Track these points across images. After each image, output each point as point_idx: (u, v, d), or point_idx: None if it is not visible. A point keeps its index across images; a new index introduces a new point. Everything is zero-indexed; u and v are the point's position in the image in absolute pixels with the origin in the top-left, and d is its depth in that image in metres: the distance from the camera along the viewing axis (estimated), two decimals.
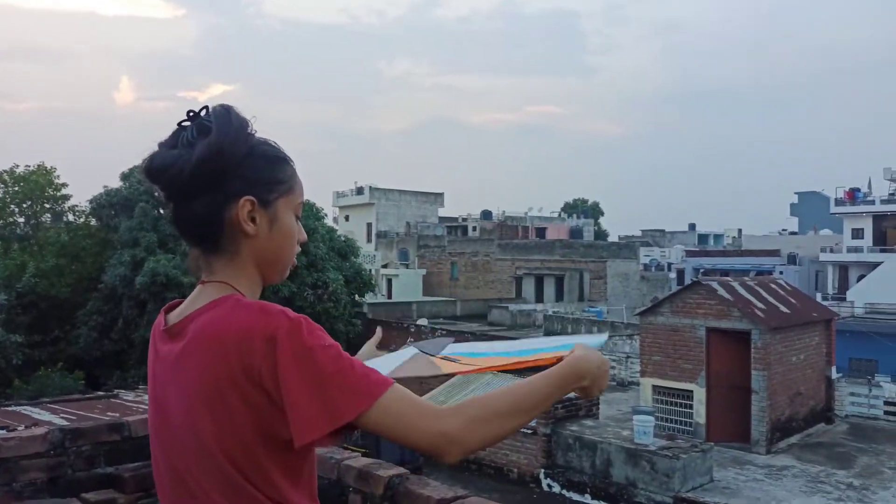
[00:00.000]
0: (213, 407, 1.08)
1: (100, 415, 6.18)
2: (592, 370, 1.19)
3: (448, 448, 1.08)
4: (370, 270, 34.49)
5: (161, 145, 1.17)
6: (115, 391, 9.83)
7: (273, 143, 1.23)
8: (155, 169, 1.16)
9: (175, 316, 1.20)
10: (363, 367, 1.09)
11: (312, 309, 24.15)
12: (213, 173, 1.14)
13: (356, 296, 29.24)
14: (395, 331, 27.09)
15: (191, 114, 1.18)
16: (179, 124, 1.17)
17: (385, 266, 49.10)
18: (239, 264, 1.19)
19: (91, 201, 25.81)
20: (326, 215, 32.83)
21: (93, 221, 27.03)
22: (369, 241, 53.39)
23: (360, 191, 56.40)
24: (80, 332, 23.51)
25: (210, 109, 1.18)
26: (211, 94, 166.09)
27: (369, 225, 55.17)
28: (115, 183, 25.84)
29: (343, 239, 30.09)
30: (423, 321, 30.65)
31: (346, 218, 57.08)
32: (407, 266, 49.48)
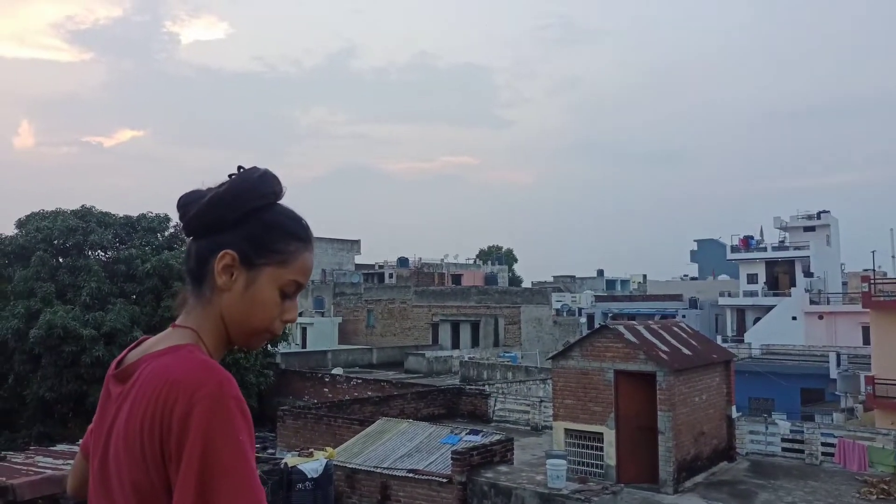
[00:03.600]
0: (131, 451, 1.10)
1: None
2: None
3: None
4: None
5: (206, 189, 1.26)
6: (2, 453, 9.14)
7: (292, 217, 1.28)
8: (182, 203, 1.26)
9: (134, 355, 1.22)
10: (255, 475, 1.06)
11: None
12: (214, 219, 1.22)
13: (268, 346, 28.48)
14: (310, 381, 26.47)
15: (239, 169, 1.26)
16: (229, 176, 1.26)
17: (299, 314, 48.06)
18: (210, 314, 1.22)
19: None
20: None
21: None
22: None
23: None
24: None
25: (245, 169, 1.26)
26: (118, 140, 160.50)
27: None
28: (11, 230, 24.48)
29: None
30: (338, 370, 30.11)
31: None
32: (322, 314, 48.70)
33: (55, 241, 23.60)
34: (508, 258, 78.30)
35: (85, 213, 24.71)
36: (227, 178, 1.24)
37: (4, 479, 4.22)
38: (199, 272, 1.23)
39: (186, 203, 1.24)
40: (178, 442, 1.03)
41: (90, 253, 24.35)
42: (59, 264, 23.38)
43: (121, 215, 25.34)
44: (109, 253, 24.47)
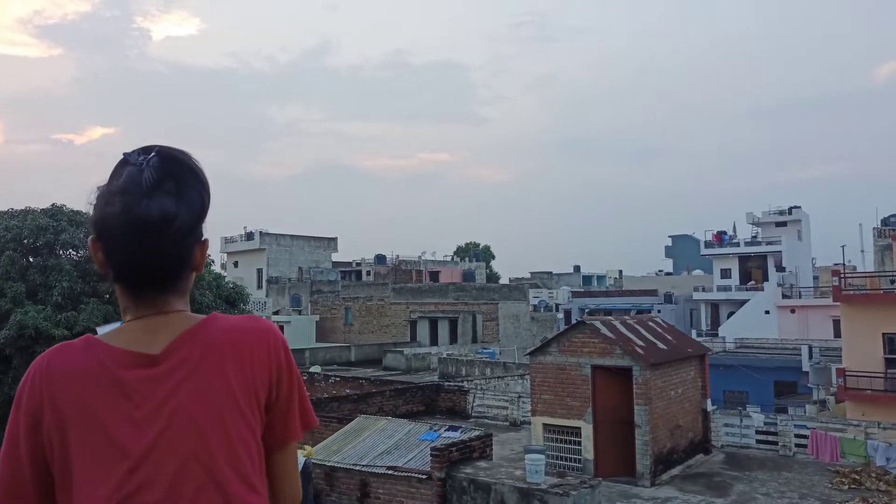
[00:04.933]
0: (241, 409, 1.20)
1: None
2: None
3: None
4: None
5: (135, 193, 1.16)
6: None
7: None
8: (159, 219, 1.16)
9: (144, 344, 1.19)
10: None
11: None
12: (200, 220, 1.23)
13: None
14: None
15: (140, 156, 1.19)
16: (139, 167, 1.18)
17: (276, 313, 47.80)
18: (186, 299, 1.27)
19: None
20: (213, 262, 31.78)
21: None
22: (260, 287, 51.94)
23: (249, 236, 55.01)
24: None
25: (170, 156, 1.21)
26: (89, 137, 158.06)
27: (259, 271, 53.75)
28: None
29: (231, 286, 29.13)
30: (316, 368, 29.97)
31: (235, 264, 55.38)
32: (300, 312, 48.43)
33: (25, 241, 23.17)
34: (486, 255, 78.48)
35: (56, 212, 24.29)
36: (160, 175, 1.17)
37: None
38: (178, 270, 1.23)
39: (168, 217, 1.16)
40: (287, 369, 1.28)
41: (61, 252, 23.94)
42: (30, 264, 22.95)
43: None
44: (81, 252, 24.08)
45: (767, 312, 40.25)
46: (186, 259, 1.22)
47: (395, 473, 12.53)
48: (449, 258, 66.45)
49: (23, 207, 24.36)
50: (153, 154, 1.20)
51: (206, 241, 1.25)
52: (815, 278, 48.48)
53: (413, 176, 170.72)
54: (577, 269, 68.42)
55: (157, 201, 1.16)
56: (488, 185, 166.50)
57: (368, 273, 57.35)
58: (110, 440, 1.15)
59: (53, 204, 24.80)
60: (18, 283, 21.84)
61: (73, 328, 20.90)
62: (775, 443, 16.33)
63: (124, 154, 1.21)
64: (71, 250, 24.21)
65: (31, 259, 23.27)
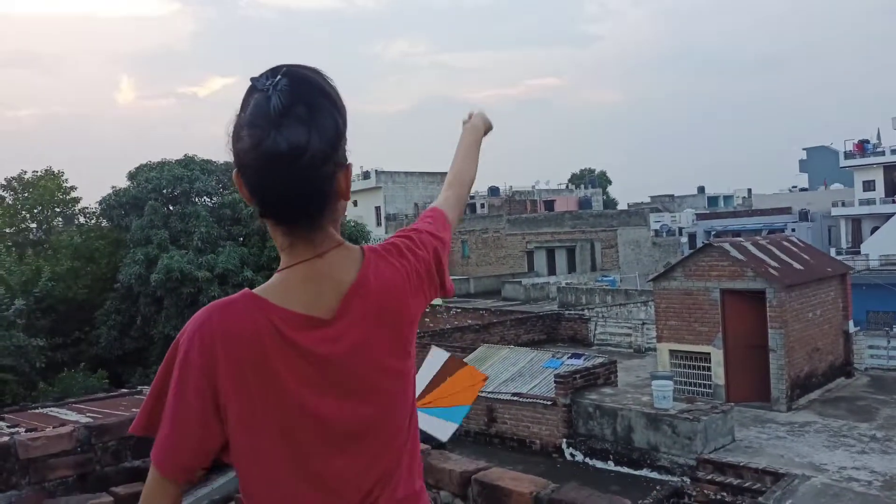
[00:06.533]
0: (397, 356, 1.25)
1: (124, 411, 6.27)
2: (486, 116, 1.76)
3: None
4: None
5: (263, 124, 1.09)
6: (139, 387, 9.96)
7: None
8: (289, 151, 1.08)
9: (313, 302, 1.17)
10: None
11: None
12: (340, 146, 1.15)
13: None
14: None
15: (268, 80, 1.11)
16: (266, 93, 1.10)
17: None
18: (336, 228, 1.24)
19: (101, 202, 25.93)
20: None
21: (104, 222, 27.17)
22: (379, 224, 53.39)
23: (366, 175, 56.32)
24: (100, 332, 23.77)
25: (301, 77, 1.12)
26: (211, 88, 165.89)
27: (378, 209, 55.15)
28: (123, 183, 25.96)
29: (352, 224, 30.11)
30: (437, 300, 30.69)
31: (355, 203, 57.04)
32: None
33: (164, 191, 24.88)
34: (602, 181, 76.36)
35: (188, 162, 25.83)
36: (291, 100, 1.09)
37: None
38: (324, 203, 1.16)
39: (301, 146, 1.08)
40: (437, 264, 1.38)
41: (197, 200, 25.54)
42: (171, 212, 24.68)
43: (221, 162, 26.34)
44: (215, 199, 25.58)
45: None
46: (329, 188, 1.15)
47: (521, 400, 12.75)
48: (563, 186, 65.25)
49: (159, 160, 26.06)
50: (280, 77, 1.10)
51: (349, 166, 1.18)
52: None
53: (522, 103, 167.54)
54: (701, 190, 65.15)
55: (285, 132, 1.08)
56: (601, 108, 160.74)
57: (483, 205, 57.42)
58: (300, 406, 1.15)
59: (185, 154, 26.38)
60: (162, 230, 23.60)
61: (214, 270, 22.45)
62: None
63: (251, 79, 1.13)
64: (205, 197, 25.78)
65: (171, 207, 25.01)
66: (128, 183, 25.77)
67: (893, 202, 40.58)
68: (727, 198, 64.81)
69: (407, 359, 1.27)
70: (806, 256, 15.39)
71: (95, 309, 24.44)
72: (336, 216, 1.23)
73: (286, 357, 1.14)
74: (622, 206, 62.72)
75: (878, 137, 45.32)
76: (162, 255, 22.65)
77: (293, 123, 1.09)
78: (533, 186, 59.66)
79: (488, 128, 1.73)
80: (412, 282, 1.29)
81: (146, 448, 2.88)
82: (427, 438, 9.59)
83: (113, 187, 25.87)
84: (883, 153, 43.47)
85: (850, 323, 15.63)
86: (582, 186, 65.28)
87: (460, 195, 1.62)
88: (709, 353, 14.04)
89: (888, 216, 39.01)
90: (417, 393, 1.52)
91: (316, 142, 1.09)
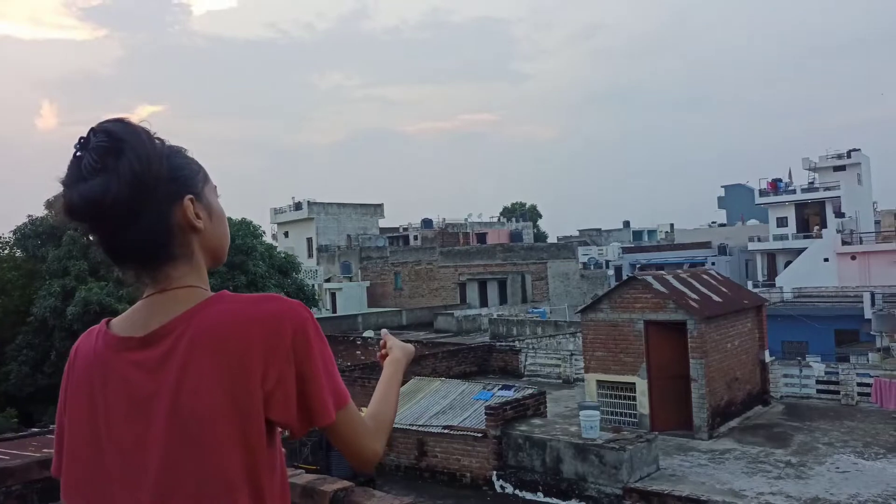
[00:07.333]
0: (235, 396, 1.10)
1: (34, 452, 5.95)
2: (409, 349, 1.68)
3: (374, 463, 1.29)
4: (313, 286, 34.11)
5: (69, 183, 1.13)
6: (51, 427, 9.47)
7: (165, 138, 1.22)
8: (83, 204, 1.11)
9: (138, 327, 1.18)
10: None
11: None
12: (149, 185, 1.12)
13: None
14: (342, 344, 26.85)
15: (81, 140, 1.14)
16: (75, 156, 1.13)
17: (328, 280, 48.62)
18: (195, 263, 1.22)
19: (15, 231, 24.77)
20: (265, 233, 32.35)
21: (18, 252, 25.91)
22: (310, 255, 52.77)
23: (298, 206, 55.74)
24: (10, 367, 22.49)
25: (102, 130, 1.14)
26: (139, 116, 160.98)
27: (309, 240, 54.54)
28: (40, 212, 24.89)
29: (283, 255, 29.66)
30: (369, 333, 30.46)
31: (286, 234, 56.29)
32: (350, 279, 49.10)
33: (79, 230, 23.99)
34: (533, 214, 77.89)
35: None
36: (86, 154, 1.11)
37: (53, 451, 4.29)
38: (158, 243, 1.17)
39: (94, 199, 1.11)
40: (304, 359, 1.13)
41: None
42: (91, 242, 23.78)
43: None
44: None
45: (826, 260, 39.05)
46: (154, 228, 1.15)
47: (452, 432, 12.72)
48: (495, 219, 66.19)
49: None
50: (84, 137, 1.14)
51: (187, 198, 1.18)
52: (877, 223, 46.68)
53: (456, 137, 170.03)
54: (626, 224, 67.38)
55: (77, 188, 1.10)
56: (533, 144, 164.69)
57: (416, 238, 57.61)
58: (93, 427, 1.17)
59: None
60: (81, 261, 22.66)
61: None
62: (837, 392, 15.97)
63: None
64: None
65: (91, 238, 24.09)
66: (45, 212, 24.68)
67: (804, 238, 42.89)
68: (651, 232, 67.16)
69: (249, 397, 1.13)
70: (724, 289, 16.05)
71: (6, 344, 23.13)
72: (180, 252, 1.20)
73: (99, 379, 1.18)
74: (552, 239, 64.12)
75: (790, 177, 47.98)
76: (80, 286, 21.73)
77: (90, 176, 1.10)
78: (466, 219, 60.30)
79: (409, 358, 1.66)
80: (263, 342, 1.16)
81: (55, 493, 2.75)
82: (353, 474, 9.46)
83: (29, 216, 24.77)
84: (794, 192, 46.01)
85: (766, 353, 16.32)
86: (513, 220, 66.39)
87: (380, 427, 1.37)
88: (634, 383, 14.39)
89: (800, 251, 41.19)
90: None
91: (114, 188, 1.10)
